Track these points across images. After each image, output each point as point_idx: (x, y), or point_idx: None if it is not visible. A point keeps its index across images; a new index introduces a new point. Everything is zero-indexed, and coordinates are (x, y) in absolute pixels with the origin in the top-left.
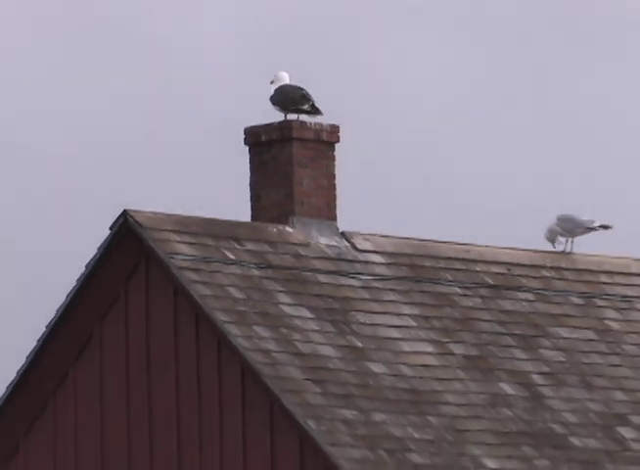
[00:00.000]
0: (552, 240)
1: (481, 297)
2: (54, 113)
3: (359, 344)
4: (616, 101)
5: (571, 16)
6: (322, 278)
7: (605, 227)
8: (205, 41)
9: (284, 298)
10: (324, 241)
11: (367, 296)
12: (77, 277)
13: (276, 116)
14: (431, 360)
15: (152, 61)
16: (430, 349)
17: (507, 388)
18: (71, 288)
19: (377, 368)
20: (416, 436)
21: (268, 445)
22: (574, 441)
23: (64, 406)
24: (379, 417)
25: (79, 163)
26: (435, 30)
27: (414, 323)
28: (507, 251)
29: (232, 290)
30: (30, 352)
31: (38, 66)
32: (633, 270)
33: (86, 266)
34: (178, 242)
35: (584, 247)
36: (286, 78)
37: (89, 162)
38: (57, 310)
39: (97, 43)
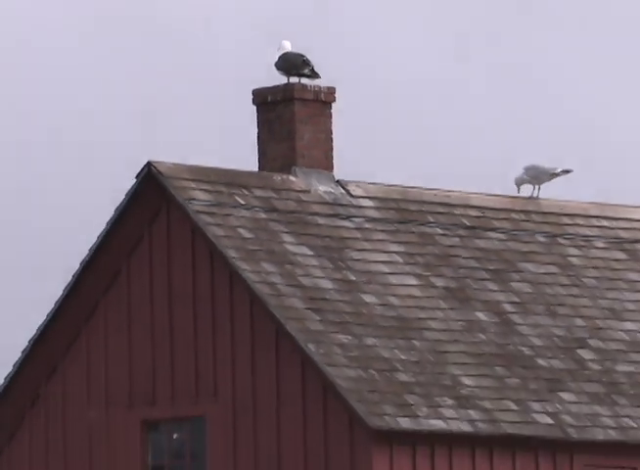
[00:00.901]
0: (519, 186)
1: (459, 236)
2: (74, 67)
3: (353, 277)
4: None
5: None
6: (320, 220)
7: (566, 171)
8: (219, 11)
9: (287, 237)
10: (322, 188)
11: (359, 236)
12: (107, 220)
13: (280, 79)
14: (415, 292)
15: (172, 29)
16: (414, 282)
17: (481, 315)
18: (102, 230)
19: (368, 299)
20: (402, 357)
21: (274, 365)
22: (540, 361)
23: (96, 331)
24: (370, 341)
25: (99, 117)
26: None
27: (400, 259)
28: (482, 196)
29: (242, 231)
30: (66, 286)
31: (57, 20)
32: (591, 213)
33: (115, 210)
34: (195, 189)
35: (549, 193)
36: (288, 47)
37: (110, 115)
38: (89, 250)
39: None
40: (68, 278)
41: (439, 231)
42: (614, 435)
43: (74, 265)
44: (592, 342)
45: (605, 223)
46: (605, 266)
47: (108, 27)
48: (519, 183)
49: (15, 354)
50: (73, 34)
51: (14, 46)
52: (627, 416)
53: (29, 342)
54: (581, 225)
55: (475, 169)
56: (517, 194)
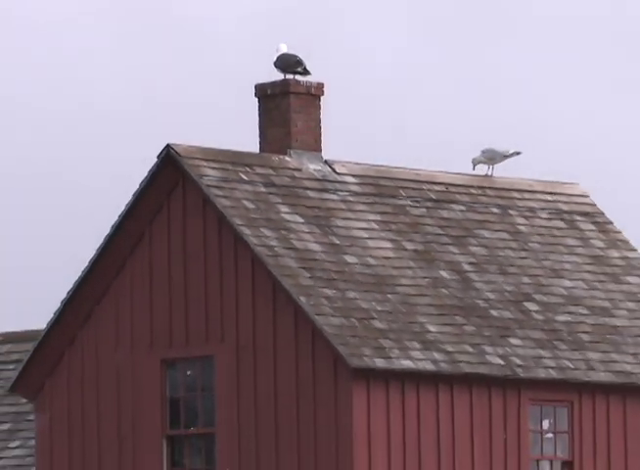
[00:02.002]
0: (475, 165)
1: (426, 208)
2: (104, 54)
3: (337, 241)
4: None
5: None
6: (311, 194)
7: (517, 153)
8: (229, 13)
9: (283, 208)
10: (312, 167)
11: (343, 207)
12: (133, 193)
13: (278, 75)
14: (389, 254)
15: (186, 31)
16: (388, 245)
17: (444, 274)
18: (128, 201)
19: (350, 259)
20: (378, 308)
21: (271, 314)
22: (493, 312)
23: (123, 285)
24: (351, 294)
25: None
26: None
27: (377, 227)
28: (445, 174)
29: (245, 202)
30: (99, 247)
31: (87, 14)
32: (536, 189)
33: (139, 185)
34: (206, 167)
35: (501, 172)
36: (284, 49)
37: (133, 100)
38: (118, 217)
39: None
40: (101, 241)
41: (410, 203)
42: (554, 374)
43: (106, 230)
44: (536, 296)
45: (548, 198)
46: (547, 233)
47: (128, 26)
48: (475, 163)
49: (55, 304)
50: (99, 33)
51: (50, 45)
52: (566, 358)
53: (67, 293)
54: (528, 199)
55: (440, 152)
56: (474, 172)
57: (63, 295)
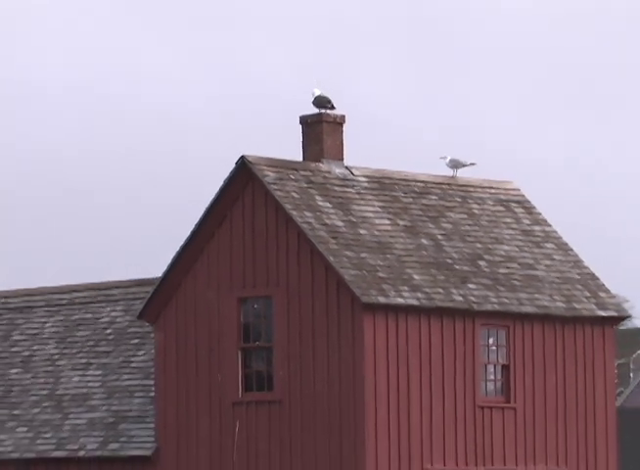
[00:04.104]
0: (450, 166)
1: (412, 197)
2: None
3: (354, 220)
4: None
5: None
6: (336, 188)
7: (472, 164)
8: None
9: (318, 197)
10: (337, 170)
11: (357, 197)
12: (220, 187)
13: (314, 110)
14: (387, 228)
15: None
16: (387, 222)
17: (424, 241)
18: (216, 193)
19: (362, 231)
20: (380, 264)
21: (310, 268)
22: (457, 266)
23: (214, 249)
24: (363, 255)
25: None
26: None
27: (380, 210)
28: (425, 175)
29: (293, 193)
30: (197, 223)
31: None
32: (484, 185)
33: (223, 182)
34: (267, 170)
35: (462, 174)
36: (318, 92)
37: (210, 115)
38: (209, 204)
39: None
40: (197, 219)
41: (402, 194)
42: (497, 307)
43: (200, 212)
44: (485, 256)
45: (492, 191)
46: (492, 215)
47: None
48: (450, 166)
49: (167, 259)
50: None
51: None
52: (504, 297)
53: (177, 251)
54: (479, 192)
55: (423, 159)
56: (444, 173)
57: (173, 252)
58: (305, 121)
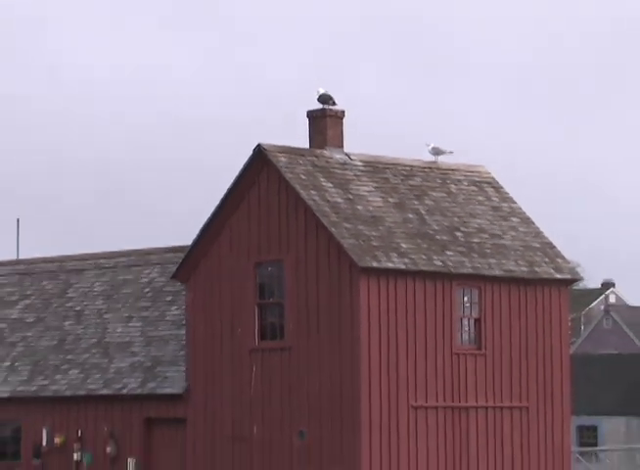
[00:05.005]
0: (432, 154)
1: (401, 179)
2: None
3: (351, 197)
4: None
5: None
6: (337, 171)
7: (451, 152)
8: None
9: (322, 179)
10: (338, 156)
11: (354, 178)
12: (240, 170)
13: (319, 105)
14: (380, 204)
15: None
16: (379, 199)
17: (410, 215)
18: (237, 175)
19: (358, 207)
20: (374, 234)
21: (315, 237)
22: (437, 236)
23: (236, 219)
24: (360, 227)
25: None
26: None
27: (373, 189)
28: (411, 160)
29: (301, 175)
30: (222, 198)
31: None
32: (461, 169)
33: (243, 166)
34: (280, 156)
35: (442, 159)
36: (322, 90)
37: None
38: (231, 183)
39: None
40: (222, 194)
41: (392, 176)
42: (471, 271)
43: (223, 192)
44: (461, 228)
45: (467, 174)
46: (467, 193)
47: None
48: (431, 153)
49: (196, 229)
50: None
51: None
52: (477, 263)
53: (204, 223)
54: (457, 174)
55: (409, 148)
56: (427, 159)
57: (201, 225)
58: (312, 115)
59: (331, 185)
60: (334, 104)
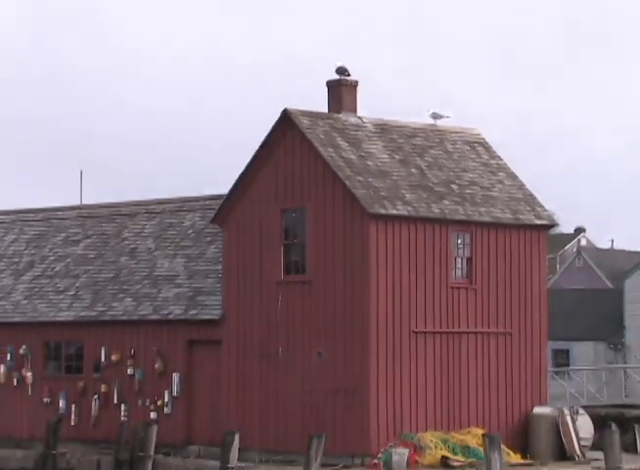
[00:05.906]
0: (432, 117)
1: (405, 139)
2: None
3: (363, 154)
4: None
5: None
6: (351, 132)
7: (448, 117)
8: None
9: (338, 138)
10: (352, 119)
11: (366, 138)
12: (268, 132)
13: (336, 76)
14: (387, 160)
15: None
16: (386, 156)
17: (413, 170)
18: (266, 135)
19: (369, 163)
20: (382, 185)
21: (332, 192)
22: (435, 188)
23: (263, 174)
24: (370, 179)
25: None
26: None
27: (382, 148)
28: (414, 123)
29: (321, 135)
30: (252, 157)
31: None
32: (456, 130)
33: (271, 127)
34: (303, 119)
35: (440, 123)
36: (339, 64)
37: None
38: (261, 143)
39: None
40: (251, 154)
41: (397, 137)
42: (464, 217)
43: (254, 149)
44: (455, 180)
45: (461, 135)
46: (461, 152)
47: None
48: (432, 118)
49: (231, 182)
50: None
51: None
52: (469, 210)
53: (239, 176)
54: (453, 136)
55: (411, 113)
56: (428, 122)
57: (236, 177)
58: (330, 85)
59: (346, 144)
60: (348, 75)
